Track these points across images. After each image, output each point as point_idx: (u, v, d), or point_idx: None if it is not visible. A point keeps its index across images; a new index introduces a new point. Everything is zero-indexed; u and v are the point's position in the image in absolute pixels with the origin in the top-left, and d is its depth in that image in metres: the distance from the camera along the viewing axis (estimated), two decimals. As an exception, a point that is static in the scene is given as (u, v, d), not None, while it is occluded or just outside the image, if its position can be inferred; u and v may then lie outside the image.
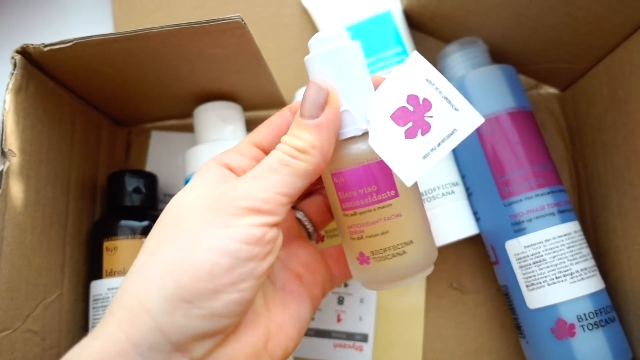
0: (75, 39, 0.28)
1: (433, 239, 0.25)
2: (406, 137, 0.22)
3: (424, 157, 0.22)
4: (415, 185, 0.25)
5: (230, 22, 0.28)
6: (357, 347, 0.35)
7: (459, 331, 0.35)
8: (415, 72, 0.22)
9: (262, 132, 0.26)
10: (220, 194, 0.21)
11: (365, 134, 0.23)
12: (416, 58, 0.23)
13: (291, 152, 0.22)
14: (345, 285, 0.36)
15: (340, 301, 0.35)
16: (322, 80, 0.23)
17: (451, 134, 0.22)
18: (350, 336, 0.35)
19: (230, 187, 0.21)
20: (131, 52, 0.30)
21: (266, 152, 0.25)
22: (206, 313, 0.19)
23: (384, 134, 0.22)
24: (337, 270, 0.28)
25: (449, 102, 0.22)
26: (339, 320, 0.35)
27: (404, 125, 0.22)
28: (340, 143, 0.23)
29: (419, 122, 0.22)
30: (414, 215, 0.24)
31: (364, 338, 0.35)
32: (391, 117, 0.22)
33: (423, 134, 0.22)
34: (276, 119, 0.26)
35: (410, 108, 0.22)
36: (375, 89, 0.24)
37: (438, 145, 0.22)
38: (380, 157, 0.23)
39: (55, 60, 0.30)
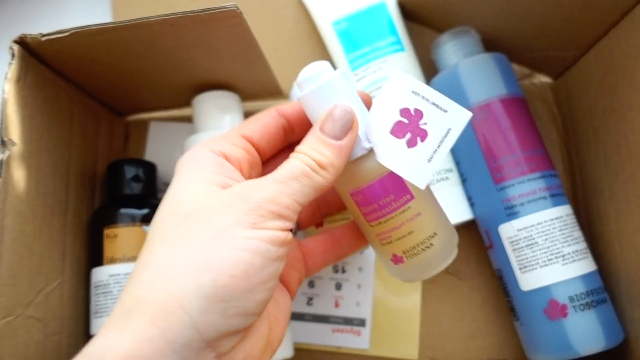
0: (72, 29, 0.29)
1: (451, 224, 0.27)
2: (409, 147, 0.24)
3: (429, 160, 0.24)
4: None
5: (226, 11, 0.28)
6: (355, 332, 0.35)
7: (454, 315, 0.36)
8: (400, 88, 0.24)
9: (252, 126, 0.26)
10: (245, 194, 0.21)
11: (370, 152, 0.25)
12: (397, 75, 0.24)
13: (313, 165, 0.22)
14: (344, 271, 0.36)
15: (338, 287, 0.36)
16: (348, 107, 0.24)
17: (447, 134, 0.24)
18: (348, 321, 0.35)
19: (256, 187, 0.22)
20: (128, 42, 0.30)
21: (255, 146, 0.26)
22: (240, 312, 0.20)
23: (388, 149, 0.24)
24: (312, 264, 0.29)
25: (437, 106, 0.24)
26: (336, 305, 0.36)
27: (404, 137, 0.24)
28: (350, 164, 0.25)
29: (416, 130, 0.24)
30: (431, 210, 0.26)
31: (361, 323, 0.35)
32: (390, 132, 0.24)
33: (422, 140, 0.24)
34: (265, 117, 0.27)
35: (405, 121, 0.24)
36: (365, 105, 0.25)
37: (438, 147, 0.24)
38: (389, 170, 0.25)
39: (53, 50, 0.30)
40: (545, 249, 0.30)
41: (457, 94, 0.33)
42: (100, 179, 0.37)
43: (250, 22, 0.29)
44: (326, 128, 0.23)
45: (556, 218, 0.30)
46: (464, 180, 0.34)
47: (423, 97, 0.24)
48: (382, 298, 0.36)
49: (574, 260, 0.30)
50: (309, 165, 0.22)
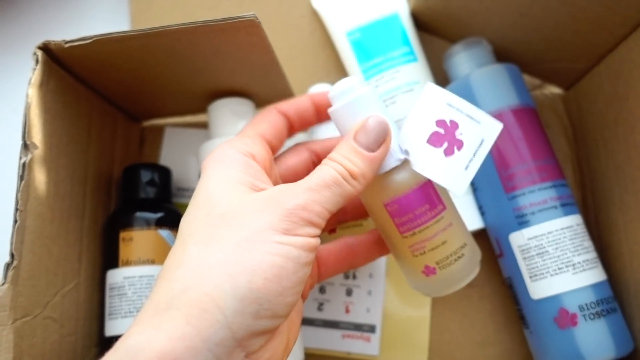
0: (95, 36, 0.29)
1: (474, 241, 0.28)
2: (446, 156, 0.25)
3: (466, 168, 0.25)
4: (449, 196, 0.28)
5: (245, 21, 0.29)
6: (365, 338, 0.36)
7: (464, 323, 0.36)
8: (435, 100, 0.25)
9: (264, 126, 0.27)
10: (279, 199, 0.22)
11: (403, 164, 0.26)
12: (432, 88, 0.25)
13: (345, 174, 0.23)
14: (354, 277, 0.37)
15: (349, 293, 0.36)
16: (383, 119, 0.24)
17: (481, 144, 0.25)
18: (358, 327, 0.36)
19: (289, 194, 0.22)
20: (148, 49, 0.31)
21: (269, 144, 0.27)
22: (270, 314, 0.20)
23: (426, 159, 0.25)
24: (324, 271, 0.29)
25: (471, 117, 0.25)
26: (347, 311, 0.36)
27: (441, 146, 0.25)
28: (383, 176, 0.26)
29: (453, 140, 0.25)
30: (460, 221, 0.27)
31: (371, 329, 0.36)
32: (428, 142, 0.25)
33: (459, 149, 0.25)
34: (271, 117, 0.28)
35: (442, 131, 0.25)
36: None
37: (474, 155, 0.25)
38: (423, 179, 0.26)
39: (75, 56, 0.31)
40: (556, 257, 0.30)
41: (469, 104, 0.34)
42: (117, 183, 0.38)
43: (267, 31, 0.30)
44: (360, 138, 0.24)
45: (567, 227, 0.31)
46: (474, 189, 0.34)
47: (458, 109, 0.25)
48: (392, 305, 0.36)
49: (584, 270, 0.30)
50: (341, 173, 0.23)
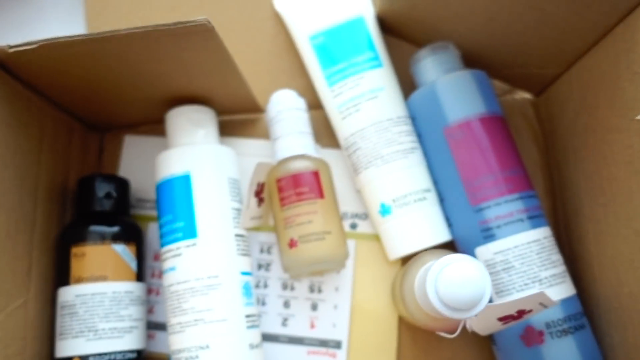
0: (40, 40, 0.28)
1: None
2: (502, 324, 0.26)
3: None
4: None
5: (197, 25, 0.27)
6: (331, 354, 0.34)
7: (432, 338, 0.35)
8: (535, 300, 0.25)
9: None
10: None
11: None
12: (543, 297, 0.25)
13: None
14: (320, 291, 0.35)
15: (314, 307, 0.35)
16: None
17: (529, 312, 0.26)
18: (323, 343, 0.35)
19: None
20: (100, 55, 0.30)
21: None
22: None
23: (484, 324, 0.26)
24: None
25: (545, 306, 0.25)
26: (312, 327, 0.35)
27: (504, 322, 0.26)
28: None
29: (517, 320, 0.26)
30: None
31: (337, 345, 0.34)
32: (498, 318, 0.26)
33: (513, 320, 0.26)
34: None
35: (515, 315, 0.26)
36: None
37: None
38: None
39: (21, 62, 0.29)
40: (522, 273, 0.29)
41: (435, 112, 0.32)
42: (72, 194, 0.36)
43: (227, 35, 0.29)
44: None
45: (533, 241, 0.29)
46: (441, 200, 0.33)
47: (544, 306, 0.25)
48: (359, 319, 0.35)
49: (551, 285, 0.29)
50: None
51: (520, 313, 0.25)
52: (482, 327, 0.26)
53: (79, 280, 0.32)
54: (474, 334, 0.27)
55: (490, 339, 0.32)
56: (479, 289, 0.23)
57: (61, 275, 0.32)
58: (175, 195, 0.33)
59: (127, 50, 0.30)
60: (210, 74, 0.33)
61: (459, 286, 0.23)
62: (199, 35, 0.28)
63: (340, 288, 0.35)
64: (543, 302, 0.25)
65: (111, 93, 0.35)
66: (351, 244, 0.36)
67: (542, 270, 0.29)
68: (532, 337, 0.29)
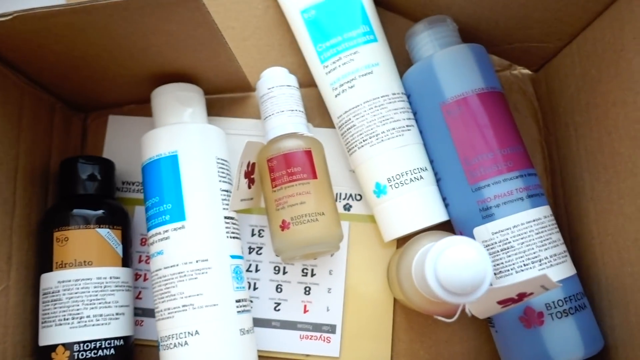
0: (15, 12, 0.26)
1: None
2: (501, 308, 0.25)
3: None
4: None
5: (183, -5, 0.26)
6: (325, 339, 0.33)
7: (428, 321, 0.34)
8: (537, 282, 0.24)
9: None
10: None
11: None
12: (545, 280, 0.24)
13: None
14: (313, 274, 0.34)
15: (307, 291, 0.34)
16: None
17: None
18: (317, 327, 0.34)
19: None
20: (79, 27, 0.28)
21: None
22: None
23: (484, 307, 0.25)
24: None
25: (546, 289, 0.24)
26: (305, 311, 0.34)
27: (504, 306, 0.25)
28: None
29: (517, 302, 0.25)
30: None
31: (331, 329, 0.34)
32: (498, 302, 0.25)
33: (513, 304, 0.25)
34: None
35: (516, 298, 0.25)
36: None
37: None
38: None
39: (-5, 35, 0.28)
40: (522, 253, 0.28)
41: (431, 88, 0.31)
42: (55, 177, 0.35)
43: (216, 9, 0.27)
44: None
45: (533, 220, 0.28)
46: (438, 180, 0.32)
47: (546, 288, 0.24)
48: (353, 303, 0.34)
49: (551, 265, 0.28)
50: None
51: (521, 296, 0.24)
52: (481, 310, 0.25)
53: (62, 266, 0.30)
54: (472, 317, 0.26)
55: (488, 321, 0.31)
56: (480, 273, 0.22)
57: (43, 261, 0.31)
58: (162, 176, 0.31)
59: (109, 23, 0.28)
60: (197, 49, 0.31)
61: (460, 270, 0.22)
62: (185, 6, 0.27)
63: (334, 271, 0.34)
64: (545, 285, 0.24)
65: (93, 70, 0.33)
66: (345, 225, 0.34)
67: (542, 250, 0.28)
68: (531, 318, 0.28)
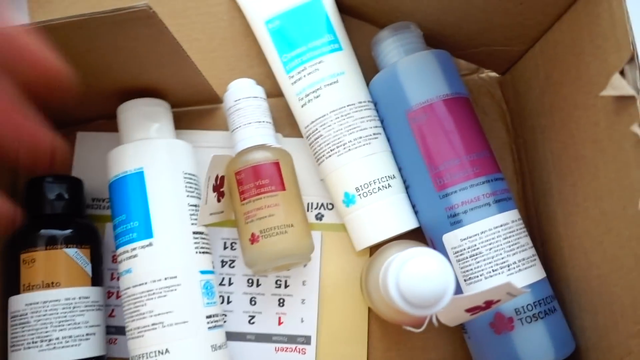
0: (-32, 34, 0.26)
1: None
2: (470, 315, 0.25)
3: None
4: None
5: (137, 11, 0.26)
6: (300, 350, 0.33)
7: (403, 329, 0.34)
8: (502, 290, 0.24)
9: None
10: None
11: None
12: (510, 287, 0.23)
13: None
14: (286, 286, 0.34)
15: (281, 303, 0.34)
16: None
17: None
18: (292, 339, 0.33)
19: None
20: (36, 48, 0.28)
21: None
22: None
23: (452, 315, 0.25)
24: None
25: (513, 295, 0.24)
26: (280, 323, 0.34)
27: (473, 313, 0.25)
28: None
29: (485, 310, 0.25)
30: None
31: (306, 340, 0.33)
32: (465, 310, 0.25)
33: (482, 311, 0.25)
34: None
35: (483, 305, 0.25)
36: None
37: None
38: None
39: (-48, 59, 0.27)
40: (490, 259, 0.28)
41: (396, 94, 0.31)
42: (22, 197, 0.34)
43: (181, 22, 0.27)
44: None
45: (501, 225, 0.29)
46: (407, 187, 0.32)
47: (512, 295, 0.24)
48: (328, 313, 0.34)
49: (519, 270, 0.28)
50: None
51: (488, 303, 0.24)
52: (450, 318, 0.25)
53: (30, 288, 0.30)
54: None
55: (461, 327, 0.31)
56: (442, 285, 0.22)
57: (10, 283, 0.31)
58: (128, 193, 0.31)
59: (67, 42, 0.28)
60: (160, 64, 0.31)
61: (421, 282, 0.22)
62: (141, 22, 0.27)
63: (307, 282, 0.34)
64: (511, 292, 0.24)
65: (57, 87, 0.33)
66: (317, 235, 0.34)
67: (510, 255, 0.28)
68: (501, 324, 0.28)
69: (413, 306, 0.22)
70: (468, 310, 0.25)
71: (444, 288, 0.22)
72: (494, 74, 0.37)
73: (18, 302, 0.30)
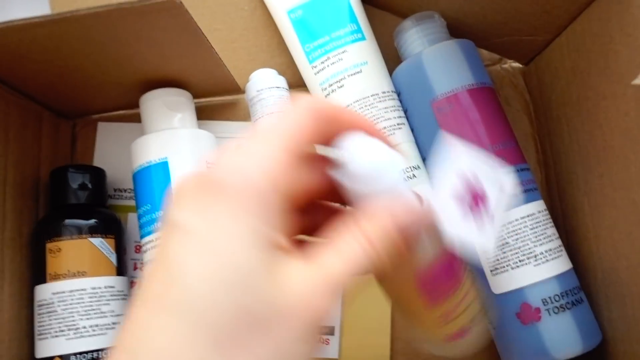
0: (-6, 24, 0.26)
1: None
2: (472, 211, 0.21)
3: (492, 220, 0.21)
4: None
5: (164, 2, 0.25)
6: (324, 341, 0.33)
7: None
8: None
9: (297, 137, 0.17)
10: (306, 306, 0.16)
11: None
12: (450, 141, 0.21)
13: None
14: (308, 276, 0.34)
15: (303, 293, 0.34)
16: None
17: (500, 191, 0.21)
18: (314, 329, 0.34)
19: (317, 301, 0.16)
20: (61, 37, 0.28)
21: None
22: None
23: (455, 217, 0.21)
24: None
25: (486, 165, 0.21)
26: (302, 313, 0.34)
27: (466, 204, 0.21)
28: None
29: (476, 192, 0.21)
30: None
31: (330, 331, 0.34)
32: (453, 198, 0.21)
33: (482, 201, 0.21)
34: (304, 119, 0.17)
35: (465, 184, 0.21)
36: None
37: (496, 206, 0.21)
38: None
39: (-24, 47, 0.27)
40: (517, 249, 0.28)
41: (421, 84, 0.31)
42: (45, 187, 0.34)
43: (202, 11, 0.27)
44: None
45: (527, 216, 0.28)
46: (430, 178, 0.32)
47: (474, 160, 0.21)
48: (351, 303, 0.34)
49: (547, 260, 0.28)
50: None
51: (464, 178, 0.21)
52: (452, 221, 0.20)
53: (56, 278, 0.30)
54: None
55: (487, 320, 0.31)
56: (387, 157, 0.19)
57: (37, 272, 0.31)
58: (153, 183, 0.31)
59: (91, 32, 0.28)
60: (183, 55, 0.31)
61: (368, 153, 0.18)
62: (166, 13, 0.26)
63: (330, 272, 0.34)
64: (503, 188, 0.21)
65: (78, 78, 0.33)
66: (340, 226, 0.34)
67: (537, 246, 0.28)
68: (528, 314, 0.28)
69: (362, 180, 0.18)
70: (456, 197, 0.20)
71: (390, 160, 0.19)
72: (517, 65, 0.37)
73: (44, 291, 0.30)
